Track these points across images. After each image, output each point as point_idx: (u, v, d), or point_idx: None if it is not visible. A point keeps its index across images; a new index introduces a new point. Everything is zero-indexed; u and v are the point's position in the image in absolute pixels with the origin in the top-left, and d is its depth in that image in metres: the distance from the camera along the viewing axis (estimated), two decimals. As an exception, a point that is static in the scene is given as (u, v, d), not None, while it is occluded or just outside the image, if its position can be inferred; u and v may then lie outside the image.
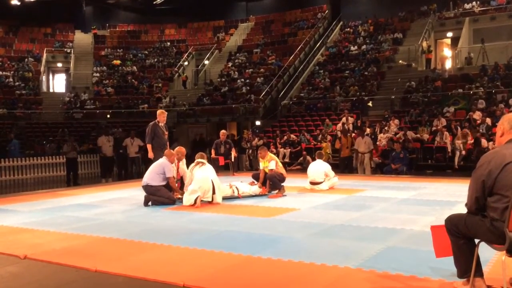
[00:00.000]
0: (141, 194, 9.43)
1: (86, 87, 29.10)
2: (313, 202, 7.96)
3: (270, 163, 8.83)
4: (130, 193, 9.64)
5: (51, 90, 32.04)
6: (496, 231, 3.18)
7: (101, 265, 4.38)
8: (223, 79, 27.94)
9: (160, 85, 29.11)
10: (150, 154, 9.55)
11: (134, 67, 31.09)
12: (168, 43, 34.18)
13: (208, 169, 8.12)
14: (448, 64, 25.65)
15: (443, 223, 3.56)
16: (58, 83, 33.14)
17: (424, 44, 24.39)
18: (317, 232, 5.62)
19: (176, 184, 8.48)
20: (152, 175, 8.13)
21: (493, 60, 20.95)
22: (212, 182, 7.91)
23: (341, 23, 30.27)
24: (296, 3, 33.01)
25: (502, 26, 23.58)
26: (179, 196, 8.30)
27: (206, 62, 31.38)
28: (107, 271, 4.27)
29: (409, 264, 4.18)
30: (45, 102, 27.38)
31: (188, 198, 7.83)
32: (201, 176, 7.88)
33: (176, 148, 8.79)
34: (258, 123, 22.34)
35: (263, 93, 24.26)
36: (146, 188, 8.13)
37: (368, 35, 27.59)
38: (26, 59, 30.15)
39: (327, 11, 31.05)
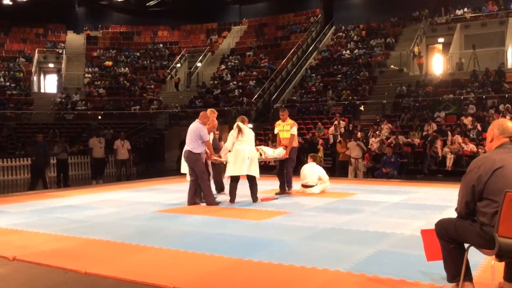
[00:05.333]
0: (133, 196, 9.42)
1: (77, 88, 28.92)
2: (304, 205, 7.96)
3: (292, 128, 8.98)
4: (121, 195, 9.60)
5: (42, 91, 31.82)
6: (486, 236, 3.20)
7: (90, 267, 4.36)
8: (216, 82, 27.93)
9: (152, 87, 29.04)
10: None
11: (127, 69, 30.99)
12: (161, 45, 34.09)
13: (247, 138, 8.17)
14: (439, 70, 25.83)
15: (433, 227, 3.58)
16: (49, 84, 32.93)
17: (416, 49, 24.56)
18: (308, 236, 5.62)
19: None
20: (193, 142, 7.93)
21: (483, 66, 21.11)
22: (248, 154, 8.04)
23: (333, 27, 30.39)
24: (289, 7, 33.08)
25: (493, 33, 23.82)
26: (215, 157, 8.37)
27: (199, 64, 31.36)
28: (97, 273, 4.24)
29: (399, 268, 4.20)
30: (36, 103, 27.17)
31: (227, 172, 8.19)
32: (238, 147, 8.07)
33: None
34: (250, 126, 22.29)
35: (256, 96, 24.28)
36: (189, 154, 7.91)
37: (360, 39, 27.72)
38: (17, 59, 29.92)
39: (320, 15, 31.17)
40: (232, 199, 8.21)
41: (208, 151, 8.17)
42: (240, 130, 8.16)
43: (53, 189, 12.15)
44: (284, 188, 9.19)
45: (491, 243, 3.16)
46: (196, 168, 7.96)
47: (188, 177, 8.34)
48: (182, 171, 8.73)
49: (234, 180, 8.22)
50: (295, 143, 9.21)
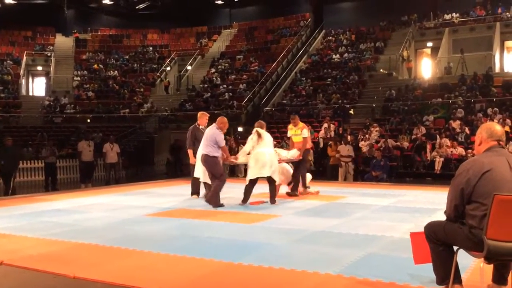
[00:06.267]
0: (122, 200, 9.35)
1: (66, 91, 28.75)
2: (294, 208, 7.97)
3: (303, 131, 9.20)
4: (110, 199, 9.53)
5: (30, 94, 31.54)
6: (475, 239, 3.22)
7: (79, 272, 4.32)
8: (206, 85, 27.92)
9: (142, 90, 28.95)
10: (192, 160, 9.13)
11: (116, 72, 30.85)
12: (151, 48, 34.02)
13: (267, 142, 8.31)
14: (428, 74, 26.05)
15: (422, 230, 3.60)
16: (37, 87, 32.67)
17: (405, 53, 24.76)
18: (298, 239, 5.63)
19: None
20: (209, 146, 8.02)
21: (472, 70, 21.35)
22: (268, 157, 8.19)
23: (323, 31, 30.56)
24: (279, 11, 33.21)
25: (480, 37, 24.09)
26: (231, 159, 8.71)
27: (189, 67, 31.33)
28: (86, 277, 4.20)
29: (389, 271, 4.21)
30: (24, 106, 26.96)
31: (248, 175, 8.29)
32: (259, 150, 8.20)
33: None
34: (240, 129, 22.34)
35: (246, 99, 24.31)
36: (206, 158, 8.00)
37: (350, 43, 27.91)
38: (5, 62, 29.68)
39: (309, 19, 31.33)
40: (245, 200, 8.35)
41: (224, 154, 8.38)
42: (259, 135, 8.34)
43: (41, 193, 12.04)
44: (306, 189, 9.38)
45: (480, 246, 3.19)
46: (213, 172, 8.08)
47: (203, 179, 8.49)
48: (195, 175, 8.82)
49: (253, 182, 8.38)
50: (309, 145, 9.47)
